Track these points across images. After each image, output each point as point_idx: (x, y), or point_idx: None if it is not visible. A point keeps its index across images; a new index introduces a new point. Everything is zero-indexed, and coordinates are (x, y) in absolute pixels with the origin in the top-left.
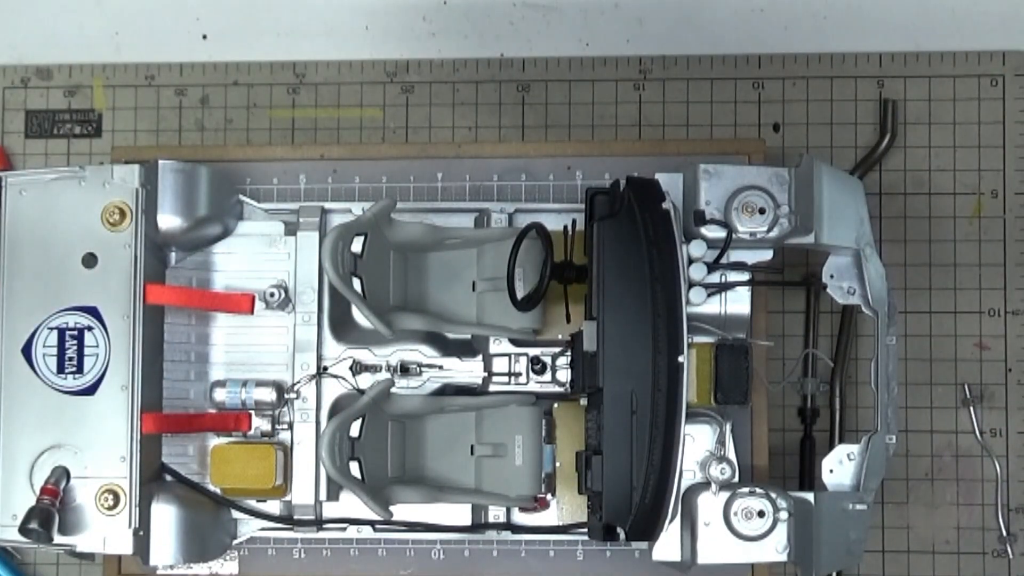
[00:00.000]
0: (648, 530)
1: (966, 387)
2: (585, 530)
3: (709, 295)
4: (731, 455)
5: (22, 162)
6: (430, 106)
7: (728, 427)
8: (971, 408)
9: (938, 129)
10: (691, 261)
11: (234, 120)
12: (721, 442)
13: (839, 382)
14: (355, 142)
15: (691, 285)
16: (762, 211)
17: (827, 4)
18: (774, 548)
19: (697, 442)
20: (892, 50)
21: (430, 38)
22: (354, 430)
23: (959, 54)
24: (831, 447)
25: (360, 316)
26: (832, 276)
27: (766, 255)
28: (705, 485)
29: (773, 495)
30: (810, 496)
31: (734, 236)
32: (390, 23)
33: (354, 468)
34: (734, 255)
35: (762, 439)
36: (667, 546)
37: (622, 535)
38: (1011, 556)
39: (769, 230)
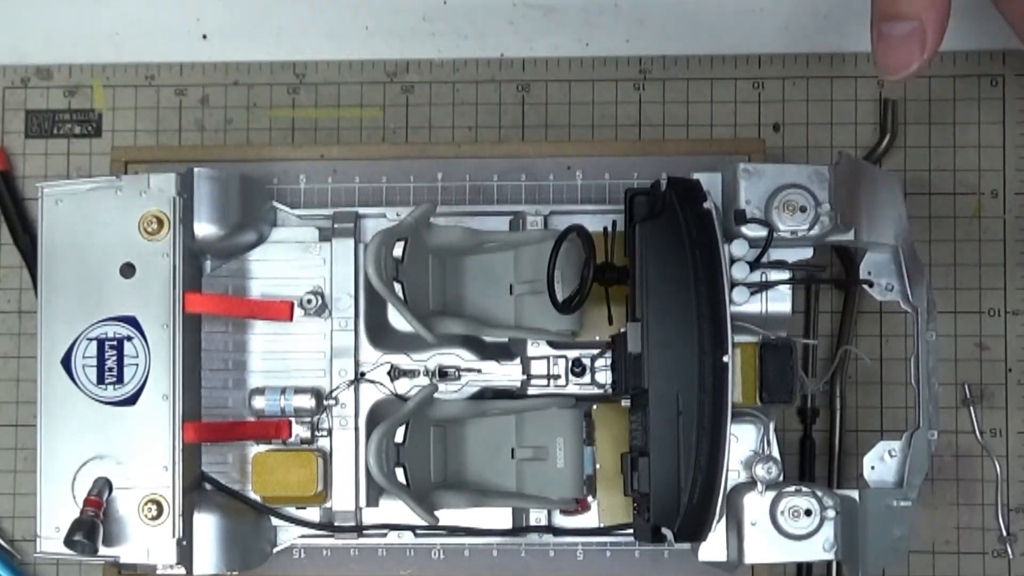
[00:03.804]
0: (697, 531)
1: (966, 387)
2: (618, 530)
3: (752, 294)
4: (775, 454)
5: (22, 162)
6: (430, 106)
7: (771, 426)
8: (971, 408)
9: (938, 129)
10: (733, 261)
11: (234, 120)
12: (766, 441)
13: (839, 382)
14: (355, 142)
15: (733, 285)
16: (803, 209)
17: (827, 4)
18: (821, 546)
19: (741, 442)
20: None
21: (430, 38)
22: (398, 436)
23: (959, 54)
24: (831, 447)
25: (396, 321)
26: (870, 272)
27: (806, 253)
28: (750, 485)
29: (819, 493)
30: (854, 493)
31: (775, 235)
32: (390, 23)
33: (399, 474)
34: (772, 254)
35: None
36: (713, 547)
37: (670, 536)
38: (1011, 556)
39: (810, 228)
